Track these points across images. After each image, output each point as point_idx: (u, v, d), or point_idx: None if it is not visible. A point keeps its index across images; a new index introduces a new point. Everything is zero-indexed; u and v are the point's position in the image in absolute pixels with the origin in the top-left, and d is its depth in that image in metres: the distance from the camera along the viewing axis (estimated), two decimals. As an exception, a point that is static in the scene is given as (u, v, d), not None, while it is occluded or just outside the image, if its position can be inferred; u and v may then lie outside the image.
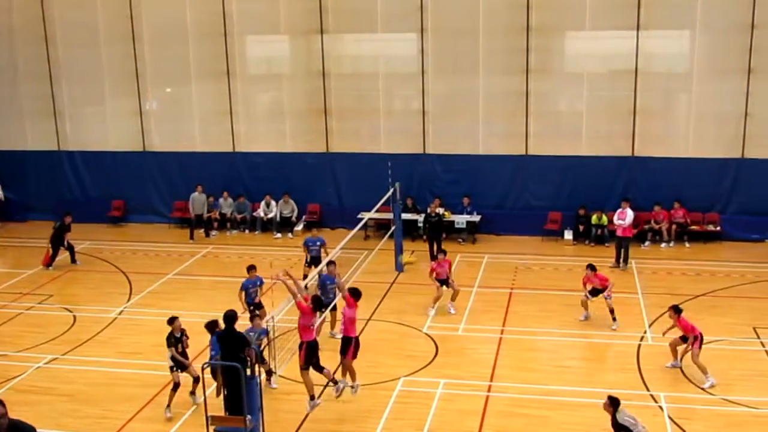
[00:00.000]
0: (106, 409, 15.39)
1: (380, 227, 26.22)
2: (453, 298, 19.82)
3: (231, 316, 13.38)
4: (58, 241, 24.08)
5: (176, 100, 28.82)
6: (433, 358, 17.20)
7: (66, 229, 24.22)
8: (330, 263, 17.61)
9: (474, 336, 18.53)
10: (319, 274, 17.74)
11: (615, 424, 12.59)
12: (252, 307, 17.54)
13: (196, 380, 15.05)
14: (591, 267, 18.86)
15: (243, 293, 17.78)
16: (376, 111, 27.06)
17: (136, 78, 28.23)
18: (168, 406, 14.92)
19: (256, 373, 12.75)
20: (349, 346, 15.26)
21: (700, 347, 15.79)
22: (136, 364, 17.27)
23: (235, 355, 12.70)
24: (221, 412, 12.97)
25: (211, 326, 14.98)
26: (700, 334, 15.87)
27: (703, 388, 15.44)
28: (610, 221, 24.42)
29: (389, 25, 26.39)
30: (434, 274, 19.77)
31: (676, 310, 16.16)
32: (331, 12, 26.45)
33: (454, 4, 25.72)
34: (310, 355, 14.53)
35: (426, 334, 18.53)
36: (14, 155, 29.61)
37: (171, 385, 15.04)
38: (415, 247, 24.95)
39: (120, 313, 20.39)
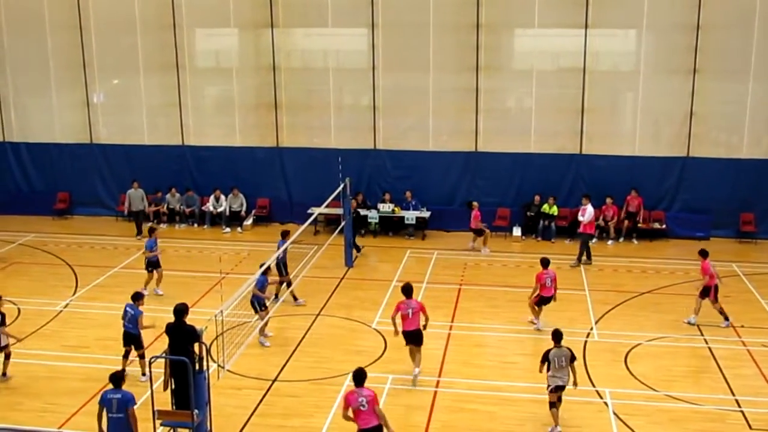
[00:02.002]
0: (49, 403, 15.17)
1: (330, 222, 26.19)
2: (485, 242, 24.24)
3: (181, 310, 13.23)
4: None
5: (124, 91, 28.37)
6: (382, 354, 17.24)
7: None
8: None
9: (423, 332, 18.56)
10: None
11: (544, 355, 13.97)
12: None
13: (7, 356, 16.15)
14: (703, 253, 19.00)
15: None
16: (326, 106, 27.00)
17: (83, 68, 27.78)
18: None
19: (204, 368, 12.65)
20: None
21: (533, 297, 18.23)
22: (81, 357, 17.05)
23: (184, 348, 12.57)
24: (168, 407, 12.86)
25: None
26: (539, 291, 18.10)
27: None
28: (559, 216, 24.93)
29: (340, 20, 26.34)
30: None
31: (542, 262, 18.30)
32: (281, 6, 26.31)
33: (405, 0, 25.78)
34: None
35: (375, 329, 18.56)
36: (-45, 146, 29.02)
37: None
38: (365, 242, 24.99)
39: (65, 306, 20.08)
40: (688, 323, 18.61)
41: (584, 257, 23.11)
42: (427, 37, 25.70)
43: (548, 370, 13.96)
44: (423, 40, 25.75)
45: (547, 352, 13.95)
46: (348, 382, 15.75)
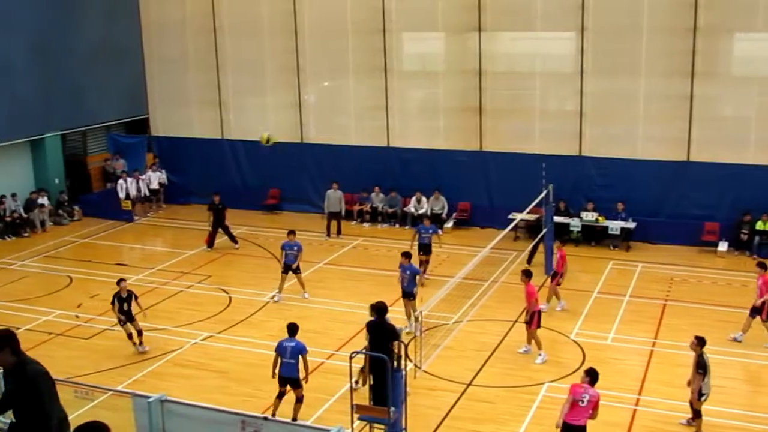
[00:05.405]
0: (255, 389, 15.93)
1: (531, 229, 25.74)
2: (549, 298, 20.18)
3: (381, 308, 13.52)
4: (218, 221, 25.22)
5: (333, 93, 29.39)
6: (580, 366, 16.80)
7: (212, 208, 25.20)
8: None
9: (623, 347, 17.98)
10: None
11: (699, 362, 13.85)
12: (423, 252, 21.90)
13: (138, 333, 17.77)
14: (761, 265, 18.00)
15: (416, 235, 22.20)
16: (531, 111, 26.67)
17: (297, 71, 28.98)
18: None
19: (402, 367, 12.84)
20: (533, 318, 17.06)
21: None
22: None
23: (384, 346, 12.82)
24: (367, 402, 13.16)
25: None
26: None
27: None
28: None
29: (548, 24, 25.95)
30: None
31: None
32: (489, 10, 26.23)
33: (617, 3, 24.98)
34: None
35: (573, 340, 18.16)
36: (181, 141, 31.12)
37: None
38: (566, 251, 24.46)
39: (272, 298, 21.01)
40: None
41: None
42: (639, 41, 24.77)
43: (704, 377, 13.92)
44: (634, 44, 24.85)
45: (700, 357, 13.98)
46: (543, 392, 15.57)
